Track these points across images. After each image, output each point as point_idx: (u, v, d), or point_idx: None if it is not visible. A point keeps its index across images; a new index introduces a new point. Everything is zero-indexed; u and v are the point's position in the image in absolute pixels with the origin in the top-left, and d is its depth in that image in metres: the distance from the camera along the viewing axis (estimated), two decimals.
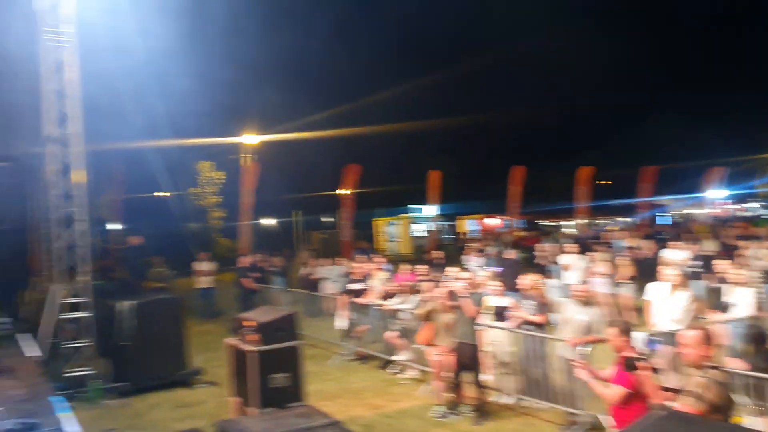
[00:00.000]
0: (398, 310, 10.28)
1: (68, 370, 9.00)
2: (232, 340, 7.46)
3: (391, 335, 10.27)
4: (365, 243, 29.25)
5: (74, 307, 9.30)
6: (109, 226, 23.75)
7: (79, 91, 9.40)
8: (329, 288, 14.68)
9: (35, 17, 9.25)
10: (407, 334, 9.87)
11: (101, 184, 22.76)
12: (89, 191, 9.73)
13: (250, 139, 25.37)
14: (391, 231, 38.36)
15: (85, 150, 9.49)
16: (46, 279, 10.18)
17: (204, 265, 16.42)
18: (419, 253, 30.47)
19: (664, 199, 44.80)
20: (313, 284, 15.51)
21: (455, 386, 8.00)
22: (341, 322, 11.60)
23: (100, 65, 9.68)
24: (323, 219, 40.70)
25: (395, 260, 20.36)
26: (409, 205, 42.59)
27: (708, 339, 4.39)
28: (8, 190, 12.22)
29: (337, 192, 33.45)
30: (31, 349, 8.24)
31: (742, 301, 8.02)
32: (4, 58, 9.91)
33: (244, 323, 7.29)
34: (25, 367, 6.97)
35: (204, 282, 16.25)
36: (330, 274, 15.27)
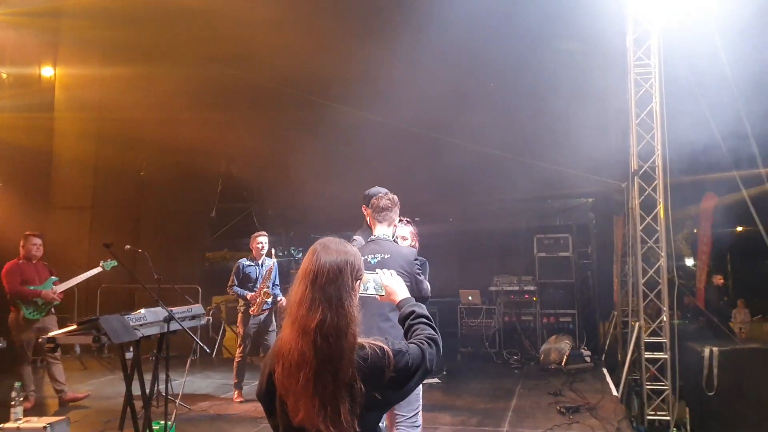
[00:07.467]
0: None
1: (648, 413, 8.71)
2: None
3: None
4: None
5: (655, 347, 8.99)
6: (691, 263, 22.77)
7: (663, 124, 9.16)
8: None
9: (626, 54, 9.45)
10: None
11: (685, 218, 22.11)
12: (676, 226, 9.35)
13: None
14: None
15: (668, 184, 9.18)
16: (629, 314, 10.17)
17: None
18: None
19: None
20: None
21: None
22: None
23: (682, 95, 9.18)
24: None
25: None
26: None
27: None
28: (595, 223, 12.88)
29: None
30: (611, 385, 8.31)
31: None
32: (600, 98, 10.39)
33: None
34: (609, 406, 6.98)
35: None
36: None
